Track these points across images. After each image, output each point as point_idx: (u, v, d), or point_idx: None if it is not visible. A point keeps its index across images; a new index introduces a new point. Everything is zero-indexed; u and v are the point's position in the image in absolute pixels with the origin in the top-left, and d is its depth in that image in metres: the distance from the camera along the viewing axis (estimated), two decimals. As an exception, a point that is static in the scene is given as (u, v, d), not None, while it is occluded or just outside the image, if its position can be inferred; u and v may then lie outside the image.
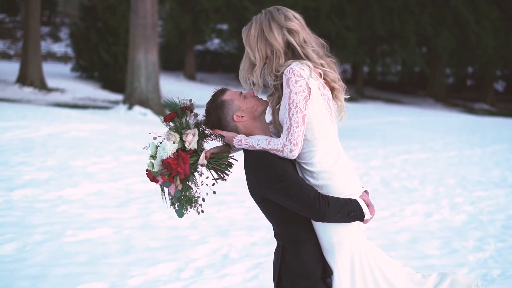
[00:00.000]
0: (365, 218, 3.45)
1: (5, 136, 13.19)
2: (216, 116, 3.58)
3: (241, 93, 3.63)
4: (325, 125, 3.49)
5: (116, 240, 7.32)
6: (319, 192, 3.38)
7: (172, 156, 3.49)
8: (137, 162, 12.04)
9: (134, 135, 15.66)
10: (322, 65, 3.53)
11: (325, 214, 3.32)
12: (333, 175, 3.45)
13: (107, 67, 31.19)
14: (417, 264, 7.13)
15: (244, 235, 7.77)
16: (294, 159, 3.52)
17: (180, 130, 3.57)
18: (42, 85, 27.32)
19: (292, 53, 3.53)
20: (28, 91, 26.21)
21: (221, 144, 3.70)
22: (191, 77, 41.24)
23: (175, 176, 3.51)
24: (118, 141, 14.22)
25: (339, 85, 3.61)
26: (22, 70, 27.51)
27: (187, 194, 3.58)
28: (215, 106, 3.58)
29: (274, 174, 3.38)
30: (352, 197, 3.45)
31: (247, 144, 3.49)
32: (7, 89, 26.02)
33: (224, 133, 3.59)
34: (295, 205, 3.35)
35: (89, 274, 6.13)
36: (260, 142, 3.46)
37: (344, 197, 3.42)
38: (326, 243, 3.48)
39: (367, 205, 3.47)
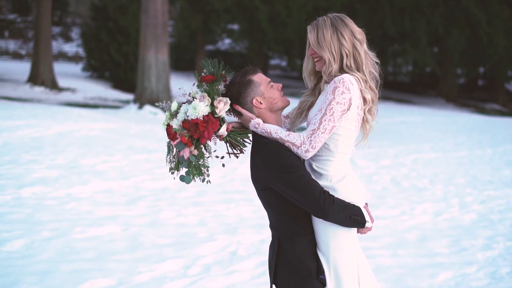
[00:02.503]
0: (366, 226, 3.45)
1: (15, 135, 13.24)
2: (238, 91, 3.54)
3: (270, 81, 3.60)
4: (350, 143, 3.52)
5: (124, 237, 7.33)
6: (326, 190, 3.37)
7: (201, 118, 3.41)
8: (147, 160, 12.05)
9: (144, 134, 15.69)
10: (371, 87, 3.57)
11: (328, 211, 3.30)
12: (343, 179, 3.46)
13: (118, 67, 31.23)
14: (425, 262, 7.11)
15: (253, 233, 7.76)
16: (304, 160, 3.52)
17: (213, 95, 3.50)
18: (53, 85, 27.37)
19: (351, 61, 3.53)
20: (39, 91, 26.28)
21: (237, 121, 3.65)
22: (202, 77, 41.10)
23: (195, 140, 3.42)
24: (128, 140, 14.24)
25: (375, 109, 3.64)
26: (33, 69, 27.58)
27: (200, 162, 3.48)
28: (242, 82, 3.55)
29: (283, 164, 3.35)
30: (357, 204, 3.45)
31: (264, 130, 3.46)
32: (18, 88, 26.10)
33: (244, 111, 3.54)
34: (299, 198, 3.32)
35: (97, 270, 6.14)
36: (278, 131, 3.43)
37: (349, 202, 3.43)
38: (323, 245, 3.47)
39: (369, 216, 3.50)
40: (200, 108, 3.42)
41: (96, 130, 15.15)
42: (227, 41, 47.55)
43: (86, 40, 33.02)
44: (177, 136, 3.44)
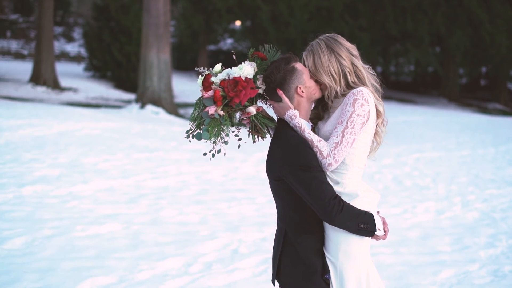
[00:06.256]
0: (377, 234, 3.37)
1: (17, 134, 13.23)
2: (283, 77, 3.44)
3: (309, 71, 3.53)
4: (364, 157, 3.49)
5: (125, 235, 7.31)
6: (338, 195, 3.32)
7: (243, 78, 3.38)
8: (148, 159, 12.04)
9: (146, 133, 15.67)
10: (377, 99, 3.53)
11: (335, 218, 3.26)
12: (356, 186, 3.42)
13: (119, 67, 31.24)
14: (428, 259, 7.09)
15: (255, 231, 7.73)
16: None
17: (260, 70, 3.48)
18: (55, 85, 27.39)
19: (355, 78, 3.50)
20: (41, 91, 26.28)
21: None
22: (204, 77, 41.04)
23: (226, 101, 3.37)
24: (130, 139, 14.23)
25: (384, 120, 3.60)
26: (35, 69, 27.59)
27: (223, 127, 3.41)
28: (287, 68, 3.45)
29: (300, 161, 3.30)
30: (369, 210, 3.39)
31: (298, 124, 3.40)
32: (20, 88, 26.11)
33: (285, 98, 3.44)
34: (309, 198, 3.28)
35: (98, 268, 6.12)
36: (311, 133, 3.38)
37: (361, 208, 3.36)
38: (332, 247, 3.42)
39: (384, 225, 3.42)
40: (246, 69, 3.42)
41: (98, 129, 15.14)
42: (229, 41, 47.53)
43: (88, 40, 33.07)
44: (212, 88, 3.40)
